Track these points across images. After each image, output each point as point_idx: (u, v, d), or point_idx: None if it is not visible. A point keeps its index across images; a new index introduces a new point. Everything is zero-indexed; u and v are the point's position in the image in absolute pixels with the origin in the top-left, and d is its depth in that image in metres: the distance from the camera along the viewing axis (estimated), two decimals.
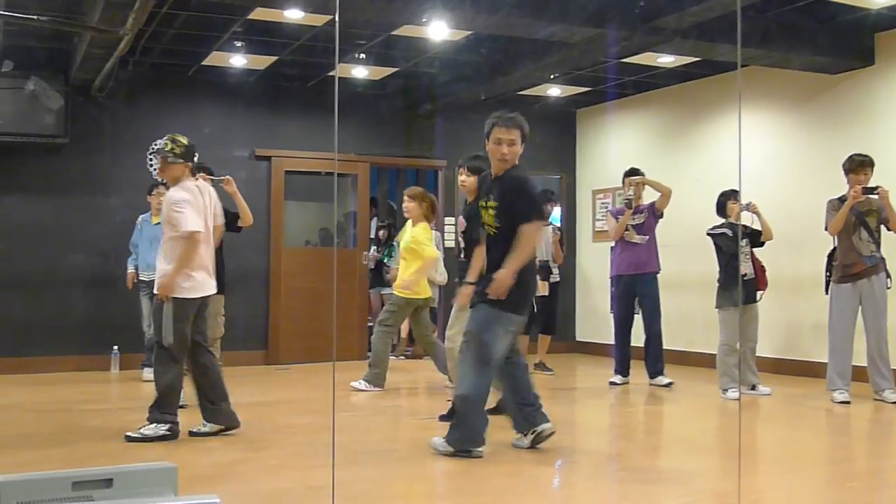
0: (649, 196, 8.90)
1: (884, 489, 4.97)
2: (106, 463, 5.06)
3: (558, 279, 9.89)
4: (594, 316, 12.05)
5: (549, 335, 9.97)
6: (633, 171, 8.89)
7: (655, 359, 8.74)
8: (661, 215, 8.79)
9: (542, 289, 9.57)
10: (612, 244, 9.26)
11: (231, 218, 7.33)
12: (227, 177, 7.28)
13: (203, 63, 9.95)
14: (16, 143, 9.22)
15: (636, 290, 8.78)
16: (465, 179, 6.67)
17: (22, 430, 6.58)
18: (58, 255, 9.70)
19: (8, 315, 9.58)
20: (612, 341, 9.20)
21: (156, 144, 10.24)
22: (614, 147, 11.94)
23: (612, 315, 9.36)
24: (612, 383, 8.80)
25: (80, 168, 9.92)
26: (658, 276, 8.81)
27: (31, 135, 9.36)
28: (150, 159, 10.22)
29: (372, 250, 11.66)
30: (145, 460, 4.37)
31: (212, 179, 7.22)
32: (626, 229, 8.75)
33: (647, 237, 8.73)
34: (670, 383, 8.57)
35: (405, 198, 8.48)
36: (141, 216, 9.05)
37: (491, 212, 5.52)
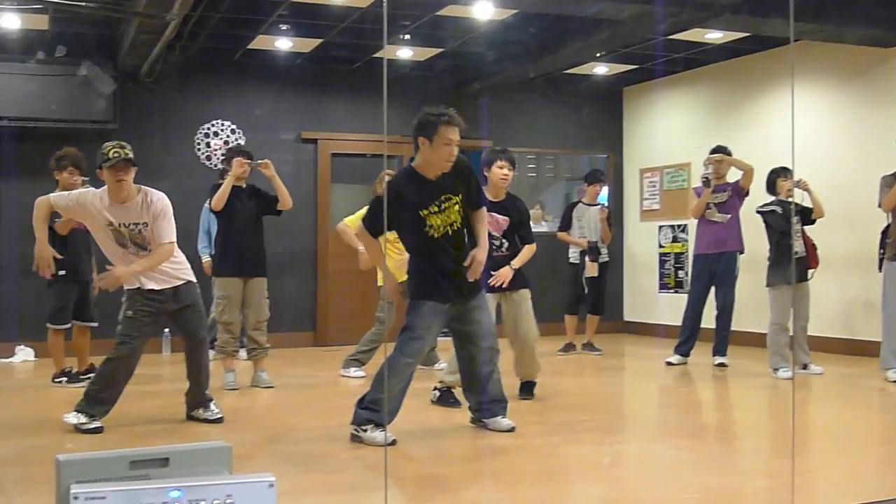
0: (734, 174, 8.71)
1: None
2: (162, 443, 5.14)
3: (607, 259, 9.83)
4: (642, 295, 11.98)
5: (597, 315, 9.93)
6: (715, 149, 8.68)
7: (722, 338, 8.63)
8: (747, 193, 8.54)
9: (591, 270, 9.53)
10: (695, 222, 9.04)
11: (271, 201, 7.38)
12: (266, 160, 7.32)
13: (249, 47, 10.00)
14: (68, 128, 9.31)
15: (714, 269, 8.63)
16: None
17: None
18: None
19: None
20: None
21: (203, 128, 10.36)
22: (662, 125, 11.83)
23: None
24: (668, 363, 8.71)
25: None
26: (739, 255, 8.62)
27: (82, 120, 9.46)
28: (197, 143, 10.31)
29: None
30: (200, 440, 4.42)
31: (250, 163, 7.27)
32: (708, 207, 8.60)
33: (729, 216, 8.53)
34: (725, 365, 8.47)
35: None
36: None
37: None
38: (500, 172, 6.56)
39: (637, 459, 5.13)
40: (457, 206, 5.41)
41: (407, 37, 9.65)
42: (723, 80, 10.98)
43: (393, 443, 5.05)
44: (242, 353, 7.86)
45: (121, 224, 5.56)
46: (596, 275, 9.51)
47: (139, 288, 5.68)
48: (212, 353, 8.73)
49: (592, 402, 7.31)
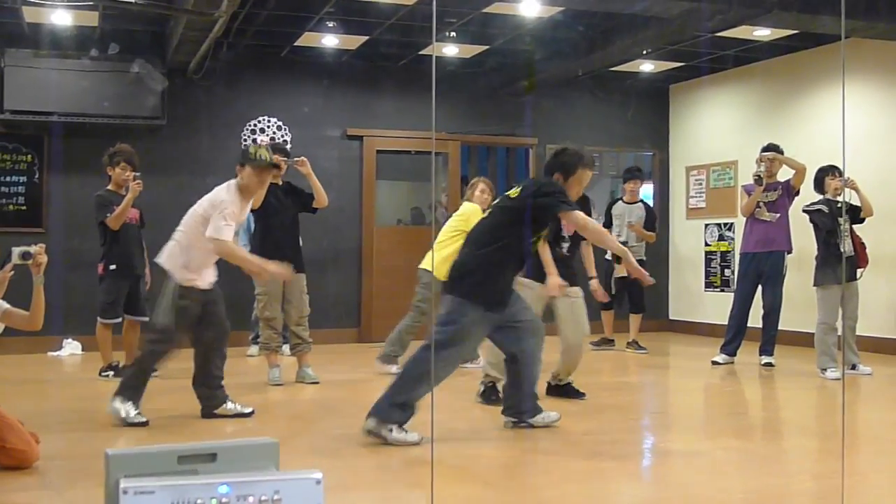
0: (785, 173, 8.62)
1: None
2: (210, 438, 5.18)
3: (643, 258, 9.71)
4: (688, 294, 11.89)
5: (637, 314, 9.89)
6: (768, 147, 8.59)
7: (769, 338, 8.55)
8: (798, 193, 8.47)
9: (620, 270, 9.46)
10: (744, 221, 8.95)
11: (307, 199, 7.41)
12: (302, 157, 7.35)
13: (296, 44, 10.05)
14: (119, 125, 9.43)
15: (762, 267, 8.55)
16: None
17: None
18: (157, 235, 9.88)
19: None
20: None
21: (250, 125, 10.43)
22: (708, 123, 11.74)
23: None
24: (714, 362, 8.64)
25: (178, 149, 10.12)
26: (787, 255, 8.52)
27: (133, 116, 9.59)
28: (244, 139, 10.38)
29: None
30: (247, 436, 4.46)
31: (286, 161, 7.31)
32: (758, 206, 8.52)
33: (779, 215, 8.45)
34: (772, 364, 8.39)
35: (486, 188, 8.39)
36: None
37: None
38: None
39: (683, 459, 5.09)
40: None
41: (453, 34, 9.66)
42: (771, 77, 10.86)
43: (419, 442, 5.01)
44: (286, 349, 7.90)
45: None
46: (625, 275, 9.45)
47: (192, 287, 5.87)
48: (255, 350, 8.85)
49: (637, 400, 7.27)
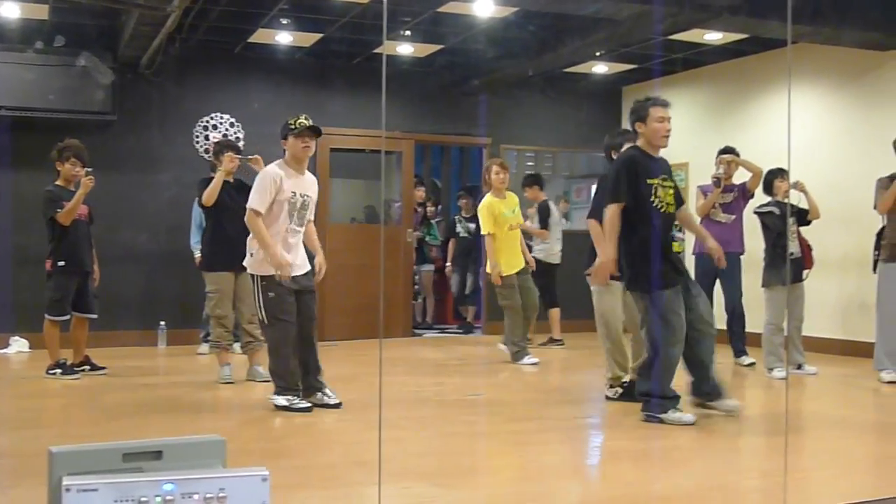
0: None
1: None
2: (157, 436, 5.15)
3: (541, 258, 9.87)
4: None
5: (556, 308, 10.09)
6: (725, 150, 8.69)
7: (738, 338, 8.64)
8: (752, 195, 8.58)
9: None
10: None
11: None
12: (256, 156, 7.31)
13: (249, 40, 10.00)
14: (66, 119, 9.31)
15: (717, 269, 8.62)
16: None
17: (72, 403, 6.71)
18: (106, 231, 9.82)
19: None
20: None
21: (203, 121, 10.36)
22: None
23: None
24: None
25: (128, 145, 10.01)
26: (741, 256, 8.62)
27: (80, 111, 9.47)
28: (196, 135, 10.31)
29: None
30: (196, 433, 4.43)
31: (240, 158, 7.28)
32: (713, 207, 8.60)
33: (734, 216, 8.55)
34: (753, 363, 8.46)
35: (500, 167, 8.69)
36: None
37: (671, 191, 5.82)
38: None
39: (632, 456, 5.14)
40: (671, 192, 5.86)
41: (407, 33, 9.66)
42: (721, 80, 10.99)
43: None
44: (237, 347, 7.87)
45: (297, 194, 6.09)
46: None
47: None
48: (206, 348, 8.80)
49: (586, 396, 7.32)
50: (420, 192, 12.00)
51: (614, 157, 6.61)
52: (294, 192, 6.07)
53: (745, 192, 8.60)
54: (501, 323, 9.05)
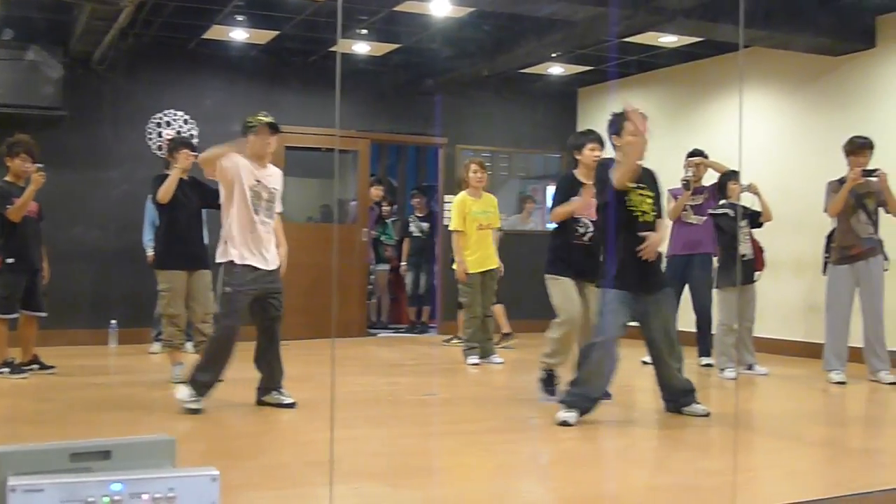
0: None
1: (877, 469, 5.00)
2: (108, 435, 5.09)
3: None
4: None
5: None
6: (693, 153, 8.75)
7: (704, 338, 8.69)
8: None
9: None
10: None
11: (212, 194, 7.32)
12: None
13: (204, 37, 9.92)
14: (14, 114, 9.16)
15: (689, 270, 8.68)
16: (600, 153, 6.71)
17: (20, 403, 6.61)
18: (55, 229, 9.71)
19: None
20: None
21: (156, 118, 10.26)
22: None
23: None
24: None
25: (79, 140, 9.89)
26: (713, 258, 8.63)
27: (29, 106, 9.32)
28: (149, 132, 10.21)
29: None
30: (147, 433, 4.39)
31: (195, 156, 7.22)
32: (684, 209, 8.66)
33: (705, 218, 8.59)
34: (710, 364, 8.52)
35: (479, 166, 8.76)
36: None
37: (648, 200, 5.89)
38: (592, 154, 6.64)
39: (584, 456, 5.17)
40: (650, 201, 5.95)
41: (364, 31, 9.63)
42: (675, 83, 11.09)
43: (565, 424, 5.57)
44: (189, 347, 7.80)
45: (261, 184, 6.04)
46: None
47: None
48: (158, 347, 8.72)
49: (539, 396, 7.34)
50: (376, 192, 11.98)
51: (577, 157, 6.70)
52: (258, 181, 6.04)
53: (714, 194, 8.65)
54: (456, 323, 9.07)
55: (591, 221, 6.48)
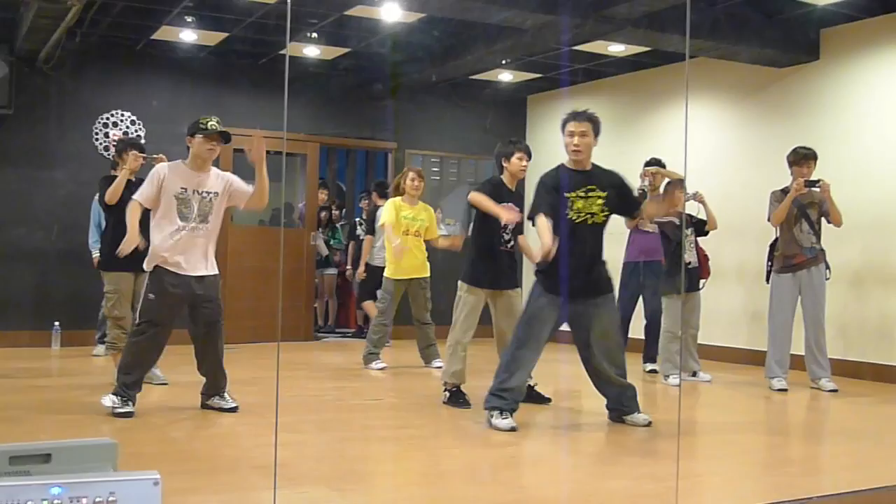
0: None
1: (817, 474, 5.09)
2: (49, 439, 5.02)
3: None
4: None
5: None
6: (651, 162, 8.81)
7: (650, 344, 8.75)
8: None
9: None
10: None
11: None
12: (161, 154, 7.20)
13: (152, 37, 9.83)
14: None
15: (643, 277, 8.74)
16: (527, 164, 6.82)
17: None
18: None
19: None
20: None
21: (103, 118, 10.14)
22: None
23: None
24: None
25: (24, 140, 9.75)
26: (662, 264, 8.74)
27: None
28: (96, 133, 10.10)
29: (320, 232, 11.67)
30: (90, 437, 4.34)
31: (143, 157, 7.16)
32: (641, 217, 8.70)
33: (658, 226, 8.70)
34: (655, 370, 8.59)
35: (417, 175, 8.71)
36: None
37: (598, 202, 5.87)
38: (519, 164, 6.77)
39: (528, 460, 5.20)
40: (600, 202, 5.97)
41: (313, 35, 9.61)
42: (623, 92, 11.19)
43: (513, 429, 5.59)
44: None
45: (190, 190, 5.94)
46: None
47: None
48: (102, 349, 8.61)
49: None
50: (324, 195, 11.95)
51: (504, 164, 6.77)
52: (184, 189, 5.94)
53: None
54: (405, 327, 9.06)
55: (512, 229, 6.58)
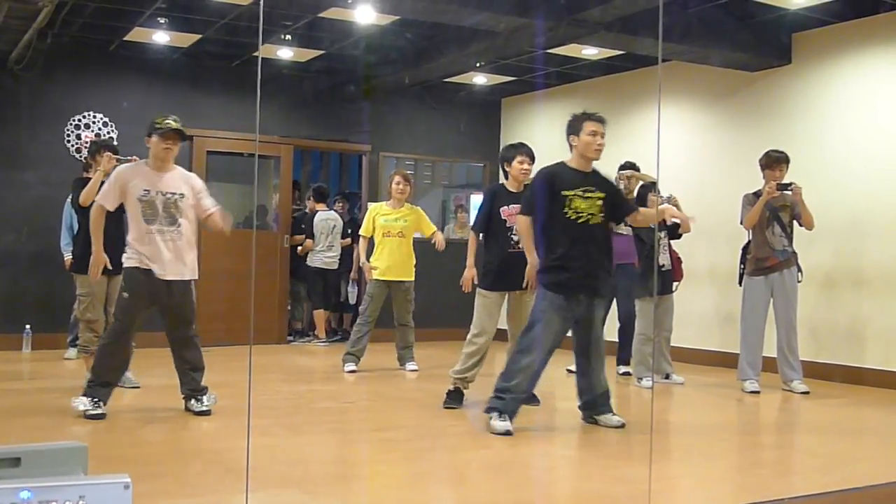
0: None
1: (789, 476, 5.13)
2: (16, 442, 4.97)
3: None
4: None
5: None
6: (625, 165, 8.82)
7: (624, 347, 8.76)
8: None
9: None
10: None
11: None
12: (134, 157, 7.15)
13: (125, 38, 9.76)
14: None
15: (615, 281, 8.72)
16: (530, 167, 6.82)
17: None
18: None
19: None
20: None
21: (74, 119, 10.07)
22: (539, 137, 11.93)
23: None
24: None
25: None
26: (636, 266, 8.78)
27: None
28: (67, 134, 10.03)
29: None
30: (61, 440, 4.30)
31: (117, 159, 7.11)
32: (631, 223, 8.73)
33: (631, 229, 8.73)
34: (628, 373, 8.61)
35: (402, 178, 8.70)
36: None
37: (597, 202, 5.85)
38: (520, 167, 6.77)
39: (501, 464, 5.20)
40: (599, 203, 5.93)
41: (287, 37, 9.58)
42: (597, 95, 11.21)
43: (508, 433, 5.56)
44: None
45: (158, 192, 5.94)
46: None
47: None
48: (74, 352, 8.56)
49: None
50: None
51: (507, 169, 6.84)
52: (148, 191, 5.92)
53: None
54: (382, 330, 9.04)
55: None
